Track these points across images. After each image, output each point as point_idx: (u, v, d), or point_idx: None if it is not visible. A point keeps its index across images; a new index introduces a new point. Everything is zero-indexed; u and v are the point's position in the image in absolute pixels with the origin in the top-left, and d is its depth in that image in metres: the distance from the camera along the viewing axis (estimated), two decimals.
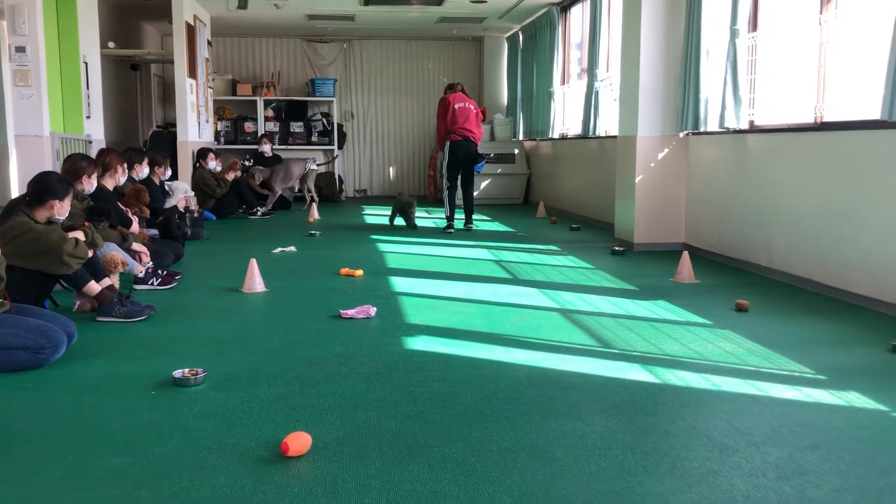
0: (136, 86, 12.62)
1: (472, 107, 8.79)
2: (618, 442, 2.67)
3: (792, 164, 5.69)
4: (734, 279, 5.84)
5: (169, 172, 7.83)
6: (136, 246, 5.38)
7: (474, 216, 9.13)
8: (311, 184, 11.32)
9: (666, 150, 7.30)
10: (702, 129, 6.74)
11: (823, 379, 3.39)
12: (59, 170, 5.80)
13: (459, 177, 8.86)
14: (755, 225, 6.16)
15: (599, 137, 9.30)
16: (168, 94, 13.29)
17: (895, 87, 4.38)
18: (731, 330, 4.24)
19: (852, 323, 4.43)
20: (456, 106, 8.67)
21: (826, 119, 5.49)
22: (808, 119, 5.65)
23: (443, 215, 9.25)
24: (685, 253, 5.90)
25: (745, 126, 6.34)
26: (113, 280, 4.71)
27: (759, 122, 6.39)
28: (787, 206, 5.73)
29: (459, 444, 2.65)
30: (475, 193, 9.68)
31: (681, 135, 7.25)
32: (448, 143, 8.71)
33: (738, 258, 6.42)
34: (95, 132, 8.22)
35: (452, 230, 8.64)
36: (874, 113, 4.67)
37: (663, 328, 4.29)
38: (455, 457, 2.54)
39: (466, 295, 5.18)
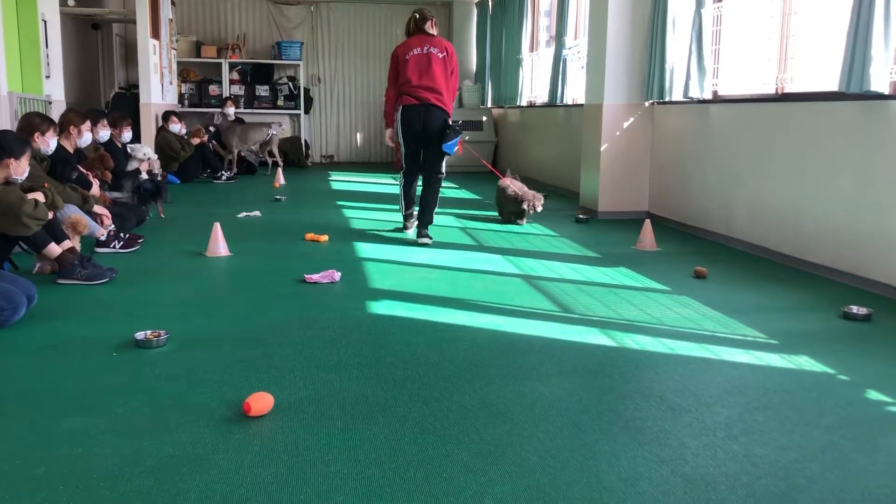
0: (97, 46, 12.36)
1: (438, 51, 5.84)
2: (574, 402, 2.74)
3: (753, 135, 5.78)
4: (695, 247, 5.94)
5: (130, 134, 7.70)
6: (97, 208, 5.32)
7: (436, 224, 6.46)
8: (274, 149, 11.21)
9: (631, 119, 7.35)
10: (667, 99, 6.80)
11: (775, 343, 3.49)
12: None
13: (415, 158, 6.01)
14: (716, 194, 6.26)
15: (566, 105, 9.33)
16: (130, 54, 13.01)
17: (853, 60, 4.46)
18: (689, 296, 4.33)
19: (807, 291, 4.55)
20: (411, 54, 5.81)
21: (787, 90, 5.57)
22: (770, 90, 5.72)
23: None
24: (647, 221, 5.98)
25: (709, 96, 6.41)
26: (74, 242, 4.67)
27: (722, 93, 6.46)
28: (748, 177, 5.83)
29: (420, 404, 2.70)
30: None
31: (646, 104, 7.31)
32: (399, 111, 5.83)
33: (699, 227, 6.53)
34: (55, 92, 8.05)
35: (410, 229, 6.32)
36: (833, 85, 4.75)
37: (623, 294, 4.37)
38: (415, 417, 2.59)
39: (431, 261, 5.21)
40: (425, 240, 5.80)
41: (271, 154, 11.19)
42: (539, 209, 6.79)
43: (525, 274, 4.86)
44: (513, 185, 6.94)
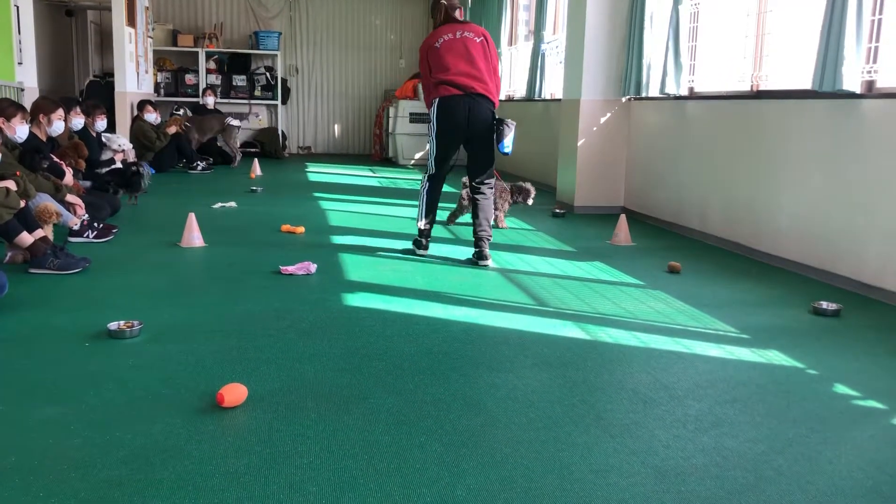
0: (71, 33, 12.21)
1: (474, 35, 4.88)
2: (547, 395, 2.77)
3: (728, 132, 5.83)
4: (669, 242, 5.99)
5: (105, 123, 7.62)
6: (70, 198, 5.26)
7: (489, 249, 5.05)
8: (230, 140, 11.02)
9: (608, 115, 7.39)
10: (643, 95, 6.84)
11: (746, 338, 3.53)
12: None
13: (451, 164, 5.05)
14: (691, 190, 6.32)
15: (544, 100, 9.36)
16: (106, 42, 12.86)
17: (826, 59, 4.52)
18: (663, 290, 4.38)
19: (779, 286, 4.61)
20: (442, 40, 4.86)
21: (762, 88, 5.63)
22: (746, 87, 5.78)
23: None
24: (622, 216, 6.02)
25: (685, 92, 6.46)
26: (46, 231, 4.61)
27: (698, 89, 6.51)
28: (722, 173, 5.89)
29: (394, 396, 2.71)
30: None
31: (623, 99, 7.35)
32: (435, 102, 4.87)
33: (673, 222, 6.58)
34: (28, 80, 7.93)
35: (424, 249, 5.15)
36: (806, 83, 4.81)
37: (597, 288, 4.41)
38: (389, 408, 2.60)
39: (407, 254, 5.21)
40: (486, 261, 4.90)
41: (230, 146, 11.02)
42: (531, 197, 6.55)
43: (501, 267, 4.88)
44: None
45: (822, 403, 2.78)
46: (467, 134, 4.87)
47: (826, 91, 4.54)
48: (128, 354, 3.05)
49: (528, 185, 6.59)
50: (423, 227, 5.14)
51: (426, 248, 5.18)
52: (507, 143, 4.85)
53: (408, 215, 6.95)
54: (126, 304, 3.77)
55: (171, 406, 2.56)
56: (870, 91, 4.49)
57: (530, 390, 2.81)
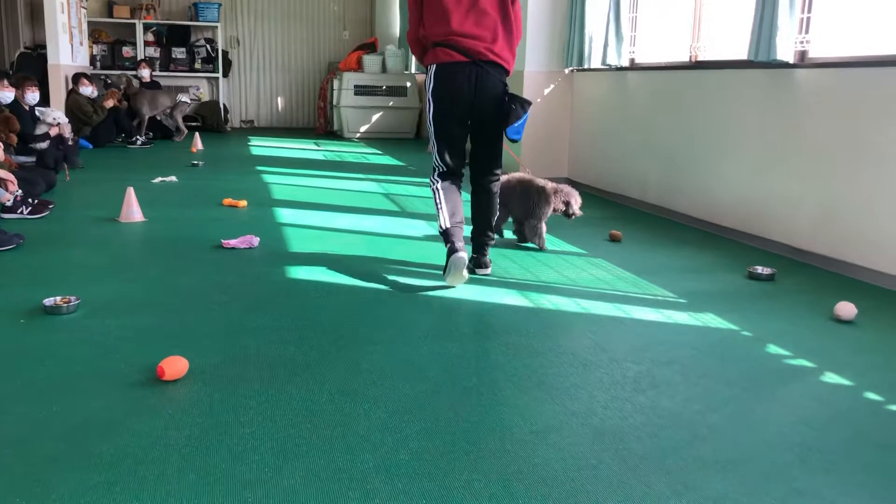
0: None
1: None
2: (490, 361, 2.80)
3: (668, 102, 5.92)
4: (611, 212, 6.08)
5: (37, 96, 7.38)
6: (1, 173, 5.10)
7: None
8: (177, 116, 10.81)
9: (552, 87, 7.43)
10: (586, 66, 6.89)
11: (684, 302, 3.62)
12: None
13: (458, 148, 3.89)
14: (632, 160, 6.41)
15: None
16: (36, 13, 12.39)
17: (761, 29, 4.61)
18: (604, 258, 4.45)
19: (716, 253, 4.72)
20: None
21: (701, 58, 5.71)
22: (685, 58, 5.86)
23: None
24: None
25: (626, 63, 6.53)
26: None
27: (639, 61, 6.58)
28: (662, 143, 5.98)
29: (338, 366, 2.71)
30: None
31: (566, 71, 7.39)
32: (431, 71, 3.77)
33: (616, 192, 6.68)
34: None
35: (461, 252, 3.70)
36: (743, 54, 4.90)
37: (540, 257, 4.46)
38: (333, 378, 2.60)
39: (353, 226, 5.20)
40: (485, 269, 4.01)
41: (174, 121, 10.79)
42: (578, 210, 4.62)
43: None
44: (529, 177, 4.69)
45: (756, 363, 2.88)
46: (473, 113, 3.80)
47: (761, 61, 4.64)
48: (65, 330, 2.99)
49: (570, 191, 4.62)
50: (447, 226, 3.79)
51: (461, 250, 3.70)
52: (518, 129, 3.76)
53: (354, 188, 6.91)
54: (62, 281, 3.69)
55: (110, 381, 2.52)
56: (802, 61, 4.60)
57: (474, 357, 2.84)
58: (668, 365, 2.82)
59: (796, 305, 3.64)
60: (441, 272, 3.93)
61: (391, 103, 12.21)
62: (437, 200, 3.87)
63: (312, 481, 1.94)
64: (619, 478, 2.01)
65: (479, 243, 4.03)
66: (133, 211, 5.13)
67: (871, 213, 4.07)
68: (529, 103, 3.80)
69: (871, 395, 2.61)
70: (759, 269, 4.12)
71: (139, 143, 9.86)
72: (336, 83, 12.22)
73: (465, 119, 3.83)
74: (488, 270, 4.02)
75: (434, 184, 3.89)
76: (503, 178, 4.29)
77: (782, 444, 2.23)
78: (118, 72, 12.17)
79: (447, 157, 3.84)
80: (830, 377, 2.76)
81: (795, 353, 3.00)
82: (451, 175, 3.88)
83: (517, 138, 3.82)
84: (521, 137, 3.85)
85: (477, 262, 4.02)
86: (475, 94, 3.72)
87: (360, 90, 11.99)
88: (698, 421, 2.37)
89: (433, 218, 5.34)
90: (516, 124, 3.74)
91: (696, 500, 1.92)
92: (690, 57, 5.78)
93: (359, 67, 12.20)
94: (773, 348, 3.04)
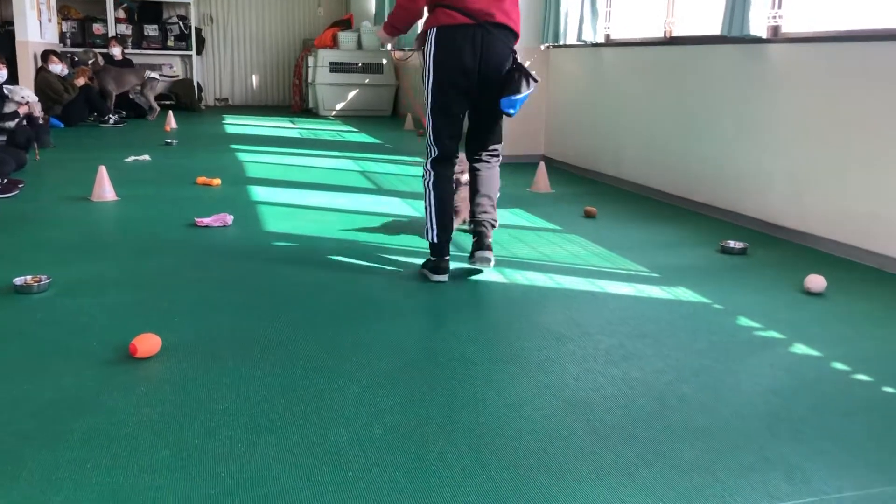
0: None
1: None
2: (464, 335, 2.82)
3: (642, 78, 5.93)
4: (586, 189, 6.10)
5: (5, 74, 7.24)
6: None
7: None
8: (148, 94, 10.67)
9: (528, 63, 7.36)
10: (561, 42, 6.87)
11: (657, 276, 3.66)
12: None
13: (457, 126, 3.51)
14: (607, 137, 6.42)
15: None
16: None
17: (734, 4, 4.62)
18: (579, 234, 4.47)
19: (689, 228, 4.76)
20: None
21: (675, 34, 5.72)
22: (659, 34, 5.87)
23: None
24: (542, 164, 6.09)
25: (602, 40, 6.52)
26: None
27: (614, 36, 6.58)
28: (637, 119, 6.00)
29: (313, 342, 2.72)
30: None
31: (542, 47, 7.37)
32: (432, 35, 3.39)
33: (591, 169, 6.69)
34: None
35: (444, 274, 3.49)
36: (716, 29, 4.92)
37: (516, 234, 4.47)
38: (307, 354, 2.61)
39: (328, 204, 5.18)
40: (487, 264, 3.56)
41: (147, 99, 10.65)
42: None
43: (423, 216, 4.88)
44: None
45: (727, 335, 2.91)
46: (478, 82, 3.38)
47: (734, 36, 4.65)
48: (36, 309, 2.97)
49: None
50: (435, 241, 3.48)
51: (446, 270, 3.49)
52: (514, 103, 3.38)
53: (329, 166, 6.88)
54: (33, 260, 3.65)
55: (81, 359, 2.51)
56: (775, 36, 4.62)
57: (448, 332, 2.85)
58: (640, 338, 2.85)
59: (767, 278, 3.68)
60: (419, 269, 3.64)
61: (367, 80, 12.13)
62: (428, 203, 3.49)
63: (286, 455, 1.95)
64: (590, 448, 2.04)
65: (478, 221, 3.60)
66: (105, 190, 5.07)
67: (842, 187, 4.12)
68: (536, 81, 3.40)
69: (838, 365, 2.65)
70: (732, 244, 4.16)
71: (112, 121, 9.73)
72: (311, 60, 12.11)
73: (468, 90, 3.39)
74: (492, 261, 3.53)
75: (427, 176, 3.49)
76: None
77: (751, 413, 2.27)
78: (89, 49, 11.97)
79: (443, 137, 3.44)
80: (799, 348, 2.80)
81: (766, 324, 3.04)
82: (445, 160, 3.49)
83: (511, 112, 3.41)
84: (516, 111, 3.43)
85: (479, 246, 3.55)
86: (480, 61, 3.31)
87: (336, 67, 11.90)
88: (669, 391, 2.40)
89: (411, 196, 5.31)
90: (515, 97, 3.34)
91: (665, 468, 1.95)
92: (665, 32, 5.78)
93: (334, 44, 12.09)
94: (743, 320, 3.08)
